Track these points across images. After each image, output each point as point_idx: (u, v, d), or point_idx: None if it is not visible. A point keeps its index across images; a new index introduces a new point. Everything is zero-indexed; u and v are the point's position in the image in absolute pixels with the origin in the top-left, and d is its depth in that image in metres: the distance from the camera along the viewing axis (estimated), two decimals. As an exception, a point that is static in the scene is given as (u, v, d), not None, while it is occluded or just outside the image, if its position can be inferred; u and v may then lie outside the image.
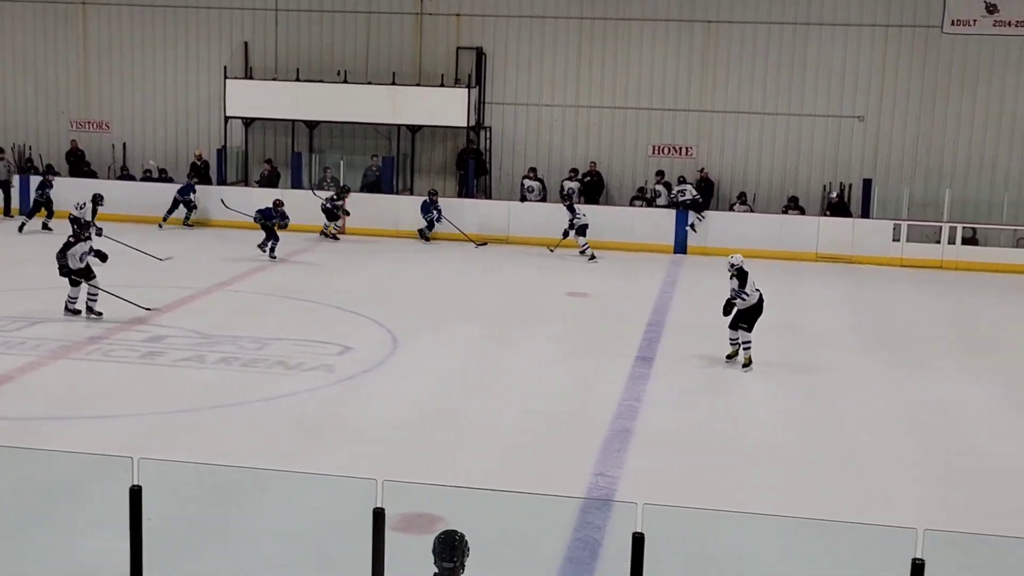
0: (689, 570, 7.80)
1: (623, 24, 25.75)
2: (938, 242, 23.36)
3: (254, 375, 13.47)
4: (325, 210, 23.83)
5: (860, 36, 24.97)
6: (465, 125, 25.69)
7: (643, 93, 25.92)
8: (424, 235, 24.27)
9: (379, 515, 6.05)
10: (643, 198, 25.39)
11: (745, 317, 14.43)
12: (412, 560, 5.71)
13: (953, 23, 24.60)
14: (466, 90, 25.57)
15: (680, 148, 25.96)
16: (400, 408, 12.40)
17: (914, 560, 5.98)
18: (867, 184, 24.94)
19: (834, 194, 24.64)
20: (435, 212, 23.94)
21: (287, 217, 21.50)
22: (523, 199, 25.16)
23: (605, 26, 25.83)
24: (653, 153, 26.08)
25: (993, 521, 9.61)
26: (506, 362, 14.67)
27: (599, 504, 9.48)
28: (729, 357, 14.67)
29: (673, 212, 24.15)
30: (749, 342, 14.42)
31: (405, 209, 24.61)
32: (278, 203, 21.70)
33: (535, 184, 25.49)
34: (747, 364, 14.37)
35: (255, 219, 21.71)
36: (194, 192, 24.87)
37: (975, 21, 24.50)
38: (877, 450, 11.62)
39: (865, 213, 24.64)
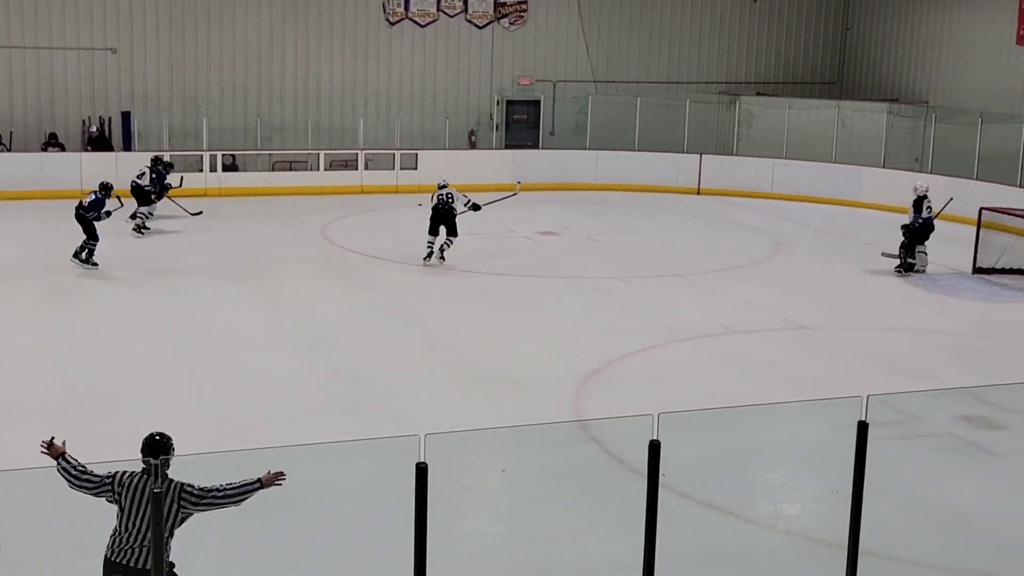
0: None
1: None
2: (201, 170, 24.06)
3: None
4: (134, 190, 19.75)
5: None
6: None
7: None
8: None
9: None
10: None
11: (449, 225, 17.51)
12: None
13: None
14: None
15: (-81, 86, 23.94)
16: None
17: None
18: (126, 116, 24.91)
19: (94, 128, 24.31)
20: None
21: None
22: None
23: None
24: None
25: (254, 430, 10.36)
26: None
27: None
28: (425, 259, 17.50)
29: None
30: (450, 243, 17.59)
31: None
32: (108, 187, 17.28)
33: None
34: (442, 258, 17.52)
35: (99, 214, 16.88)
36: None
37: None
38: (147, 378, 11.90)
39: (127, 146, 24.64)
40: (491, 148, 26.87)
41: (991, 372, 12.82)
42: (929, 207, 17.95)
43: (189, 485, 6.06)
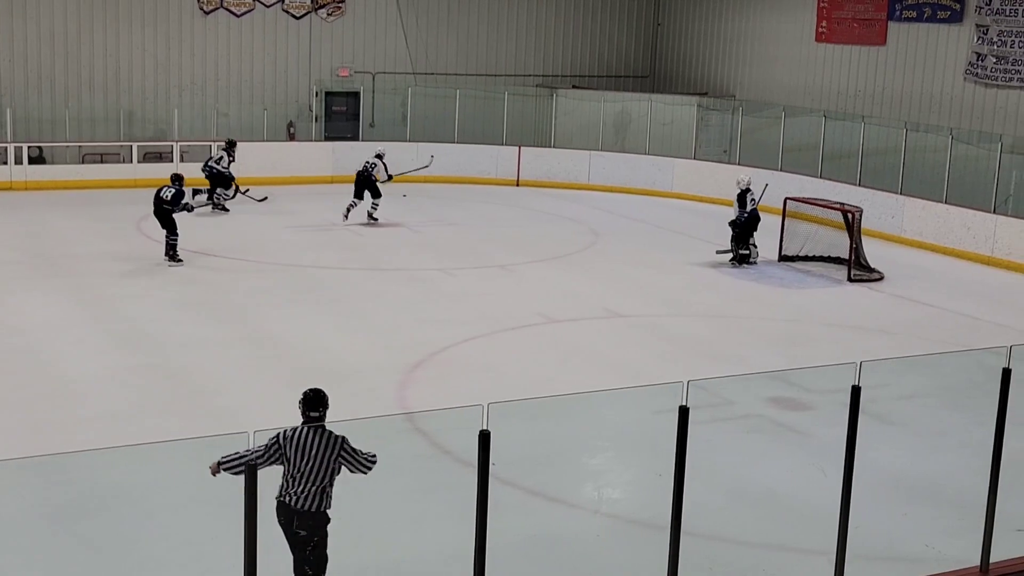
0: None
1: None
2: (5, 163, 23.09)
3: None
4: (215, 175, 21.39)
5: None
6: None
7: None
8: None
9: None
10: None
11: (371, 188, 20.31)
12: None
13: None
14: None
15: None
16: None
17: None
18: (-78, 107, 23.69)
19: None
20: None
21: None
22: None
23: None
24: None
25: (71, 432, 10.08)
26: None
27: None
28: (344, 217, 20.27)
29: None
30: (376, 205, 20.48)
31: None
32: (181, 177, 17.52)
33: None
34: (375, 219, 20.45)
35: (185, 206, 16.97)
36: None
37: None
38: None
39: (-76, 138, 23.45)
40: (311, 140, 26.59)
41: (796, 355, 13.46)
42: (753, 199, 18.61)
43: (346, 439, 6.67)
